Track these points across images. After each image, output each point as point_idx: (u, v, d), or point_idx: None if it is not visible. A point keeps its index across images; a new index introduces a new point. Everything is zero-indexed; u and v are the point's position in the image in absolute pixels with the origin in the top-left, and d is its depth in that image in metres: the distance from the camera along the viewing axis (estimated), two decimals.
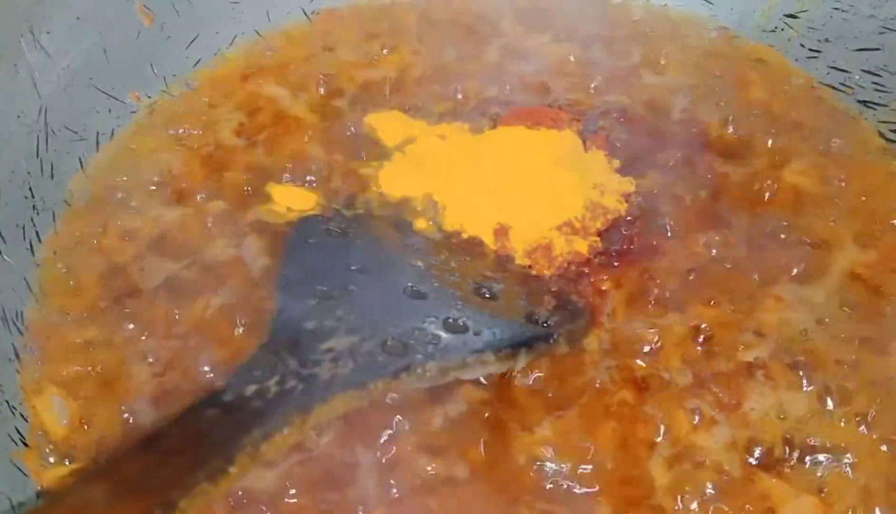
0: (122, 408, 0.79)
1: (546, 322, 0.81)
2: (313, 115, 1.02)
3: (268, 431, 0.68)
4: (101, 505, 0.61)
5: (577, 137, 0.96)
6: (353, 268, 0.83)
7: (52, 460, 0.77)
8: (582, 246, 0.88)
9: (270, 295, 0.84)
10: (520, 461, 0.75)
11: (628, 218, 0.90)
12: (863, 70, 1.00)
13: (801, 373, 0.79)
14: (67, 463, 0.77)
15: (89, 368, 0.82)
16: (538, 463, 0.75)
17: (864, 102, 0.99)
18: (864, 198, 0.92)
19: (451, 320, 0.79)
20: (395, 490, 0.74)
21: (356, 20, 1.12)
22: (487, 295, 0.82)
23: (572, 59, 1.06)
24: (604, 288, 0.86)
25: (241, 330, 0.83)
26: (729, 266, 0.87)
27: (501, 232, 0.88)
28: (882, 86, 0.98)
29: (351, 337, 0.76)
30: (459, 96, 1.02)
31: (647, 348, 0.81)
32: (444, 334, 0.77)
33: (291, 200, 0.93)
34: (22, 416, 0.79)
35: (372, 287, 0.81)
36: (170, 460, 0.65)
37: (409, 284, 0.82)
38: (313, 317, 0.77)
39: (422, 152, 0.96)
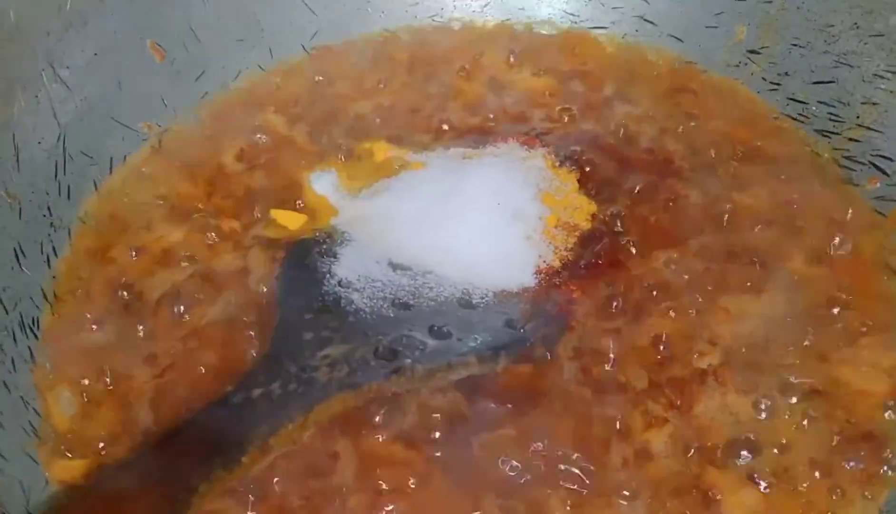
0: (124, 406, 0.87)
1: (523, 328, 0.88)
2: (309, 142, 1.10)
3: (274, 427, 0.77)
4: (130, 492, 0.70)
5: (551, 161, 1.04)
6: (342, 285, 0.91)
7: (60, 452, 0.84)
8: (554, 259, 0.95)
9: (267, 305, 0.92)
10: (483, 456, 0.82)
11: (596, 236, 0.97)
12: (819, 101, 1.06)
13: (748, 378, 0.86)
14: (73, 455, 0.84)
15: (96, 369, 0.89)
16: (501, 459, 0.82)
17: (819, 131, 1.06)
18: (816, 219, 0.98)
19: (435, 328, 0.87)
20: (370, 479, 0.80)
21: (352, 56, 1.20)
22: (468, 305, 0.90)
23: (549, 92, 1.14)
24: (574, 297, 0.93)
25: (240, 335, 0.90)
26: (686, 280, 0.93)
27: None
28: (836, 116, 1.05)
29: (345, 345, 0.84)
30: (445, 126, 1.10)
31: (609, 354, 0.88)
32: (429, 340, 0.86)
33: (286, 220, 1.01)
34: (35, 411, 0.87)
35: (361, 301, 0.89)
36: (189, 452, 0.75)
37: (395, 296, 0.90)
38: (310, 328, 0.86)
39: (405, 181, 1.04)
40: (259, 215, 1.01)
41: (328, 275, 0.92)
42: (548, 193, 0.99)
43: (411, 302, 0.89)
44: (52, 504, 0.78)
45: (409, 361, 0.83)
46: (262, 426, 0.76)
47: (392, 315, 0.88)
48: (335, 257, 0.94)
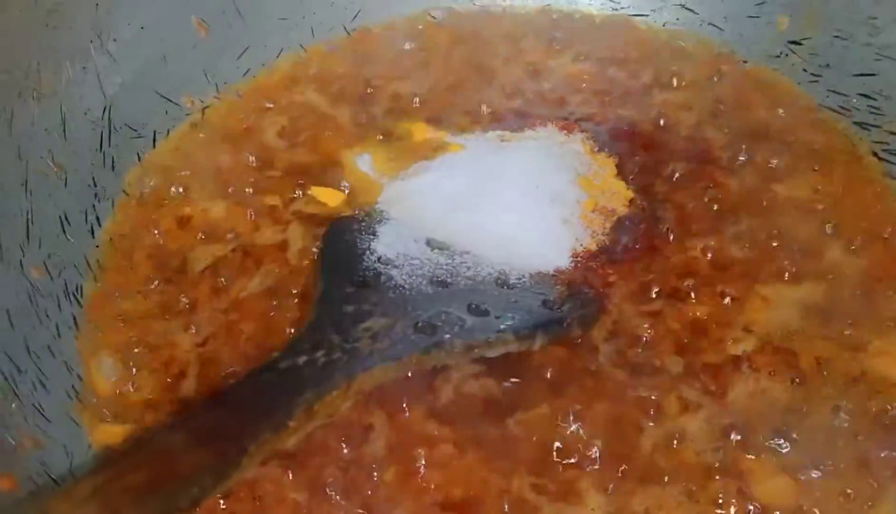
0: (166, 373, 0.88)
1: (560, 308, 0.89)
2: (350, 121, 1.11)
3: (319, 393, 0.78)
4: (181, 449, 0.71)
5: (589, 146, 1.04)
6: (382, 261, 0.92)
7: (102, 416, 0.86)
8: (591, 243, 0.96)
9: (306, 279, 0.94)
10: (518, 433, 0.83)
11: (633, 221, 0.98)
12: (859, 94, 1.06)
13: (783, 366, 0.86)
14: (116, 420, 0.86)
15: (138, 336, 0.91)
16: (535, 437, 0.83)
17: (860, 124, 1.05)
18: (855, 211, 0.98)
19: (473, 306, 0.88)
20: (403, 454, 0.82)
21: (392, 38, 1.21)
22: (505, 285, 0.91)
23: (588, 77, 1.14)
24: (610, 280, 0.93)
25: (279, 308, 0.92)
26: (723, 267, 0.94)
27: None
28: (877, 109, 1.05)
29: (385, 318, 0.85)
30: (484, 109, 1.11)
31: (644, 338, 0.89)
32: (468, 317, 0.86)
33: (326, 197, 1.02)
34: (78, 376, 0.89)
35: (400, 278, 0.90)
36: (239, 413, 0.76)
37: (434, 274, 0.91)
38: (352, 302, 0.87)
39: (443, 162, 1.05)
40: (300, 192, 1.03)
41: (368, 251, 0.93)
42: (585, 178, 1.00)
43: (449, 280, 0.90)
44: (102, 459, 0.80)
45: (447, 336, 0.84)
46: (308, 392, 0.77)
47: (430, 292, 0.89)
48: (374, 234, 0.95)
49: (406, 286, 0.89)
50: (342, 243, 0.94)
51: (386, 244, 0.94)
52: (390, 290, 0.88)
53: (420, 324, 0.85)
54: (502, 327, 0.86)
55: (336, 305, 0.86)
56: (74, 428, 0.85)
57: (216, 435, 0.72)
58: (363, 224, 0.97)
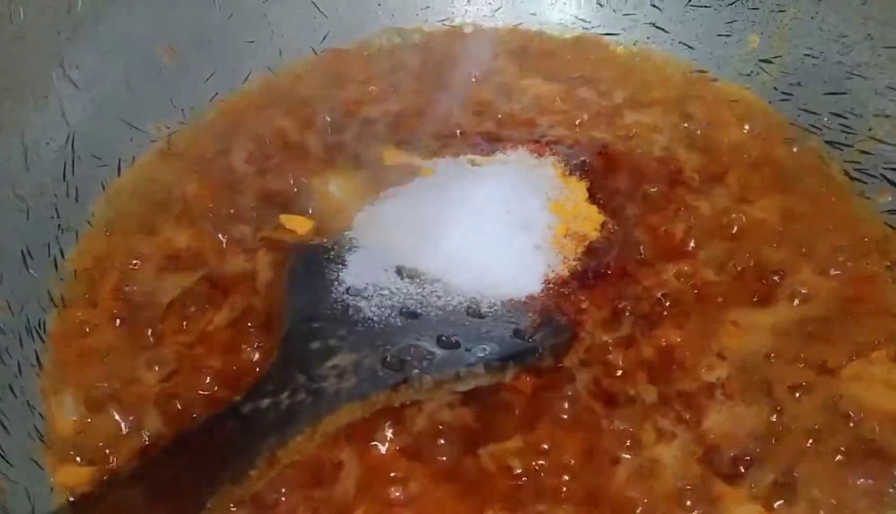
0: (129, 411, 0.86)
1: (531, 338, 0.88)
2: (318, 146, 1.09)
3: (282, 438, 0.77)
4: (137, 507, 0.69)
5: (560, 169, 1.03)
6: (350, 292, 0.90)
7: (66, 458, 0.84)
8: (563, 268, 0.95)
9: (275, 311, 0.92)
10: (490, 467, 0.82)
11: (605, 245, 0.97)
12: (831, 112, 1.06)
13: (757, 393, 0.86)
14: (79, 461, 0.84)
15: (102, 373, 0.89)
16: (508, 470, 0.81)
17: (831, 143, 1.05)
18: (827, 232, 0.98)
19: (443, 338, 0.86)
20: (375, 490, 0.80)
21: (362, 60, 1.20)
22: (476, 314, 0.90)
23: (559, 97, 1.13)
24: (583, 307, 0.92)
25: (247, 342, 0.90)
26: (696, 293, 0.93)
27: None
28: (848, 127, 1.04)
29: (352, 354, 0.84)
30: (455, 133, 1.10)
31: (618, 366, 0.88)
32: (437, 350, 0.85)
33: (295, 224, 1.00)
34: (40, 415, 0.87)
35: (369, 309, 0.89)
36: (197, 464, 0.74)
37: (403, 305, 0.89)
38: (318, 337, 0.85)
39: (414, 187, 1.03)
40: (268, 220, 1.01)
41: (336, 282, 0.91)
42: (557, 202, 0.99)
43: (419, 311, 0.89)
44: None
45: (416, 371, 0.83)
46: (271, 438, 0.76)
47: (400, 324, 0.87)
48: (343, 263, 0.93)
49: (375, 319, 0.87)
50: (308, 274, 0.92)
51: (355, 274, 0.92)
52: (359, 323, 0.87)
53: (389, 359, 0.83)
54: (472, 360, 0.84)
55: (301, 341, 0.85)
56: (37, 471, 0.83)
57: (174, 488, 0.70)
58: (332, 253, 0.95)
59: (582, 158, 1.05)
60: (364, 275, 0.92)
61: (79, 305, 0.95)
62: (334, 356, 0.83)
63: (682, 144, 1.07)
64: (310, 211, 1.02)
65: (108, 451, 0.84)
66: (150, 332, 0.92)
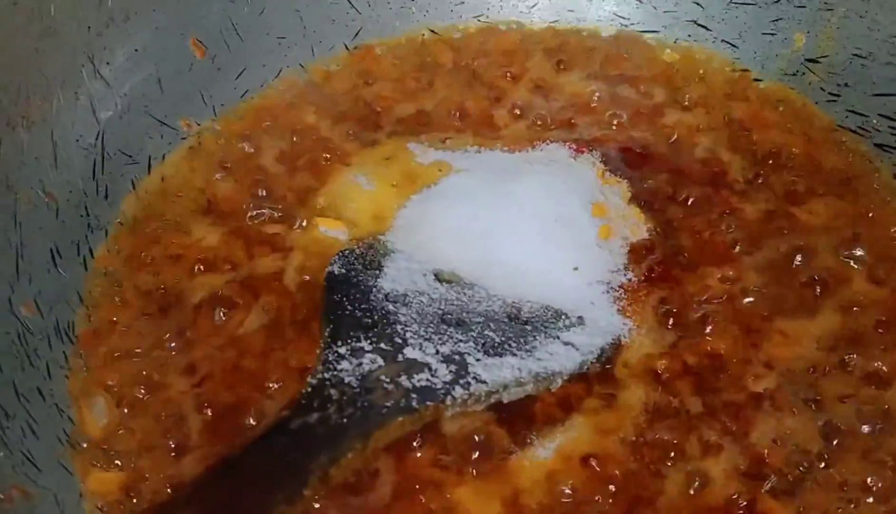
0: (159, 415, 0.85)
1: (577, 347, 0.85)
2: (350, 144, 1.07)
3: (334, 455, 0.74)
4: None
5: (601, 170, 1.00)
6: (390, 299, 0.88)
7: (95, 463, 0.82)
8: (605, 272, 0.92)
9: (308, 314, 0.90)
10: (528, 477, 0.79)
11: (648, 249, 0.94)
12: (880, 114, 1.02)
13: (807, 405, 0.83)
14: (109, 467, 0.82)
15: (132, 376, 0.87)
16: (548, 481, 0.79)
17: (880, 146, 1.02)
18: (877, 237, 0.95)
19: (488, 345, 0.84)
20: (411, 499, 0.78)
21: (395, 57, 1.17)
22: (517, 320, 0.87)
23: (597, 96, 1.10)
24: (627, 313, 0.90)
25: (280, 346, 0.88)
26: (742, 299, 0.90)
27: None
28: None
29: (396, 364, 0.81)
30: (490, 131, 1.07)
31: (662, 375, 0.85)
32: (484, 359, 0.82)
33: (327, 224, 0.98)
34: (70, 418, 0.85)
35: (410, 316, 0.86)
36: (249, 486, 0.71)
37: (444, 311, 0.87)
38: (360, 347, 0.83)
39: (449, 188, 1.00)
40: (300, 221, 0.99)
41: (374, 289, 0.88)
42: (598, 204, 0.96)
43: (461, 317, 0.86)
44: None
45: (464, 381, 0.80)
46: (322, 455, 0.73)
47: (443, 332, 0.85)
48: (379, 268, 0.91)
49: (417, 327, 0.85)
50: (346, 281, 0.89)
51: (392, 279, 0.90)
52: (400, 332, 0.84)
53: (435, 369, 0.81)
54: (520, 368, 0.82)
55: (344, 352, 0.82)
56: (65, 476, 0.81)
57: (224, 513, 0.68)
58: (367, 258, 0.92)
59: (622, 158, 1.02)
60: (402, 280, 0.90)
61: (108, 305, 0.93)
62: (379, 367, 0.80)
63: (726, 145, 1.04)
64: (343, 212, 0.99)
65: (139, 457, 0.82)
66: (178, 335, 0.90)
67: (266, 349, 0.88)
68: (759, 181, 1.01)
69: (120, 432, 0.84)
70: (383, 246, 0.94)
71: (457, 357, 0.82)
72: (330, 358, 0.81)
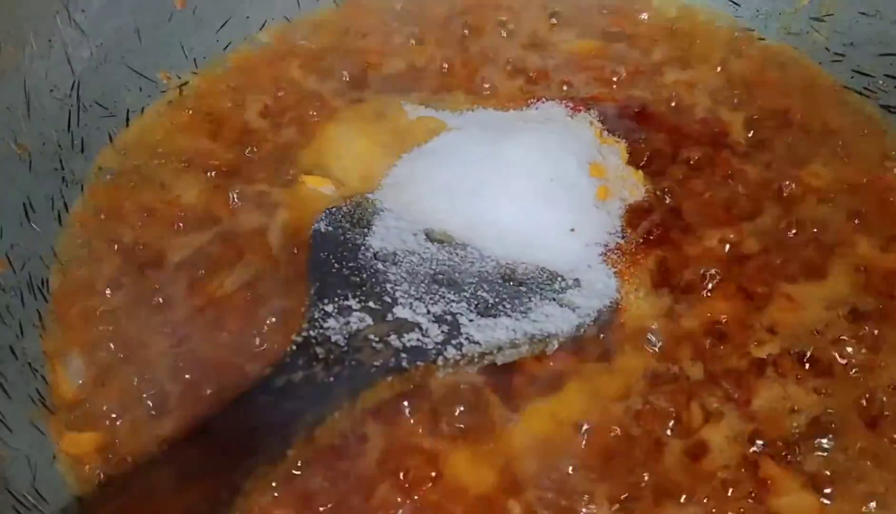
0: (137, 376, 0.81)
1: (574, 308, 0.82)
2: (337, 101, 1.03)
3: (319, 416, 0.71)
4: (167, 489, 0.64)
5: (598, 129, 0.97)
6: (379, 257, 0.84)
7: (70, 423, 0.79)
8: (602, 234, 0.89)
9: (294, 274, 0.86)
10: (522, 444, 0.76)
11: (646, 210, 0.91)
12: (886, 75, 0.99)
13: (811, 372, 0.80)
14: (84, 427, 0.79)
15: (109, 335, 0.83)
16: (542, 447, 0.76)
17: (886, 107, 0.99)
18: (883, 200, 0.92)
19: (481, 306, 0.81)
20: (399, 465, 0.75)
21: (384, 10, 1.12)
22: (512, 281, 0.83)
23: (595, 54, 1.07)
24: (624, 276, 0.86)
25: (263, 306, 0.84)
26: (744, 263, 0.87)
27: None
28: None
29: (386, 324, 0.78)
30: (483, 88, 1.04)
31: (660, 340, 0.82)
32: (477, 319, 0.79)
33: (313, 182, 0.94)
34: (43, 378, 0.81)
35: (399, 275, 0.83)
36: (230, 445, 0.68)
37: (435, 271, 0.83)
38: (348, 305, 0.79)
39: (441, 146, 0.96)
40: (285, 178, 0.95)
41: (362, 247, 0.85)
42: (595, 164, 0.93)
43: (454, 277, 0.82)
44: (84, 503, 0.72)
45: (457, 342, 0.77)
46: (307, 415, 0.70)
47: (434, 291, 0.81)
48: (368, 227, 0.87)
49: (407, 286, 0.81)
50: (333, 239, 0.86)
51: (381, 238, 0.86)
52: (389, 291, 0.81)
53: (426, 328, 0.77)
54: (515, 329, 0.78)
55: (331, 310, 0.78)
56: (38, 437, 0.78)
57: (206, 471, 0.64)
58: (355, 216, 0.89)
59: (620, 117, 0.98)
60: (391, 239, 0.86)
61: (84, 262, 0.89)
62: (367, 325, 0.77)
63: (727, 105, 1.01)
64: (329, 170, 0.95)
65: (115, 417, 0.79)
66: (158, 293, 0.86)
67: (249, 309, 0.85)
68: (761, 143, 0.97)
69: (95, 392, 0.80)
70: (371, 204, 0.90)
71: (449, 317, 0.78)
72: (316, 316, 0.78)
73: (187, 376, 0.80)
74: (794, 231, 0.89)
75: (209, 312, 0.85)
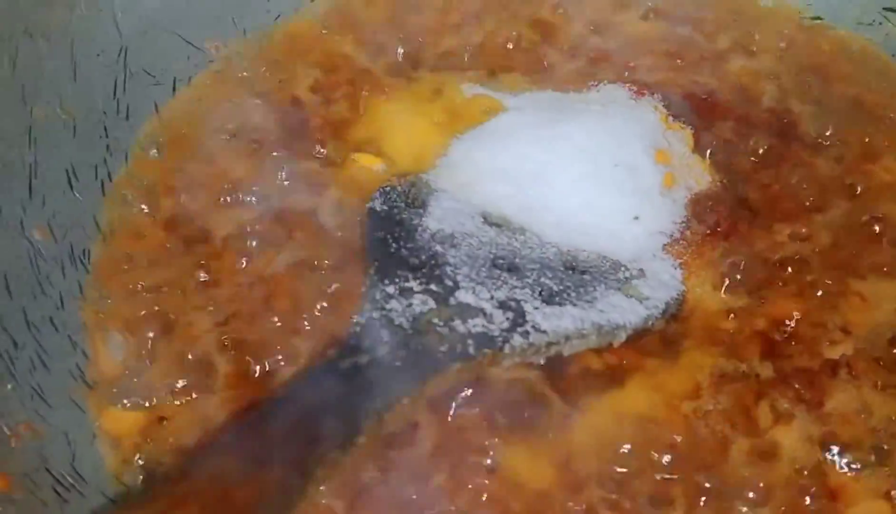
0: (184, 354, 0.78)
1: (642, 300, 0.78)
2: (390, 77, 0.99)
3: (388, 401, 0.68)
4: (234, 475, 0.60)
5: (663, 114, 0.93)
6: (436, 239, 0.81)
7: (111, 400, 0.76)
8: (668, 223, 0.85)
9: (345, 253, 0.83)
10: (582, 440, 0.73)
11: (714, 200, 0.87)
12: None
13: (886, 374, 0.76)
14: (125, 405, 0.76)
15: (152, 310, 0.80)
16: (602, 444, 0.73)
17: None
18: None
19: (547, 294, 0.77)
20: (453, 455, 0.72)
21: None
22: (575, 269, 0.80)
23: (658, 38, 1.02)
24: (690, 268, 0.83)
25: (315, 286, 0.81)
26: (815, 259, 0.83)
27: None
28: None
29: (447, 308, 0.75)
30: (543, 67, 1.00)
31: (728, 337, 0.78)
32: (543, 307, 0.76)
33: (365, 160, 0.91)
34: (83, 353, 0.79)
35: (459, 258, 0.79)
36: (297, 430, 0.65)
37: (496, 255, 0.80)
38: (409, 287, 0.76)
39: (498, 126, 0.93)
40: (335, 155, 0.91)
41: (419, 228, 0.81)
42: (661, 150, 0.89)
43: (514, 262, 0.79)
44: (144, 490, 0.70)
45: (523, 330, 0.73)
46: (377, 399, 0.67)
47: (496, 276, 0.78)
48: (424, 207, 0.84)
49: (468, 269, 0.78)
50: (389, 218, 0.82)
51: (438, 219, 0.83)
52: (450, 274, 0.77)
53: (490, 314, 0.74)
54: (582, 321, 0.75)
55: (392, 292, 0.75)
56: (77, 414, 0.75)
57: (271, 458, 0.61)
58: (410, 195, 0.85)
59: (686, 105, 0.94)
60: (448, 221, 0.83)
61: (127, 234, 0.86)
62: (430, 310, 0.74)
63: (795, 95, 0.97)
64: (381, 149, 0.92)
65: (157, 396, 0.75)
66: (203, 270, 0.83)
67: (299, 289, 0.81)
68: (833, 135, 0.93)
69: (137, 369, 0.77)
70: (426, 184, 0.87)
71: (513, 304, 0.75)
72: (377, 297, 0.75)
73: (233, 355, 0.77)
74: (867, 226, 0.85)
75: (257, 290, 0.81)
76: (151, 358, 0.78)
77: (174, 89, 0.97)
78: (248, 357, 0.77)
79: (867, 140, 0.93)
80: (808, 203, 0.87)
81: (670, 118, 0.93)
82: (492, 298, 0.75)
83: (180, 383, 0.76)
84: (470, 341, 0.72)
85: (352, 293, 0.79)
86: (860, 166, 0.90)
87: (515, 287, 0.77)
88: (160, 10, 0.96)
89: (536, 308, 0.75)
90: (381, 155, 0.91)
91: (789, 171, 0.90)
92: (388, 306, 0.74)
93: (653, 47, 1.02)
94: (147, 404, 0.75)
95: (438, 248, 0.79)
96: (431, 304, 0.74)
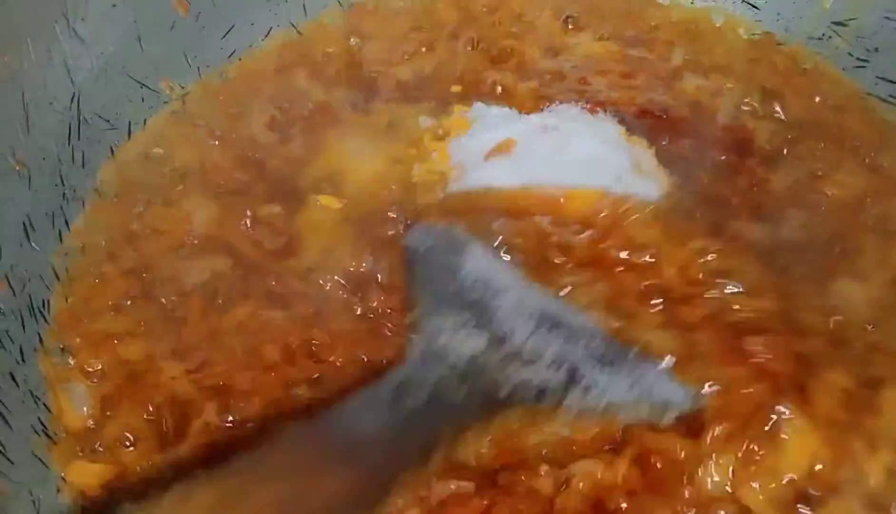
0: (148, 402, 0.77)
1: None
2: (347, 111, 0.99)
3: (455, 433, 0.70)
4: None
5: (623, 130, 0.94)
6: (481, 284, 0.80)
7: (76, 454, 0.75)
8: None
9: (315, 298, 0.83)
10: None
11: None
12: None
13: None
14: (91, 457, 0.75)
15: (116, 359, 0.80)
16: None
17: None
18: None
19: (600, 356, 0.76)
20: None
21: (393, 14, 1.09)
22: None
23: (613, 58, 1.03)
24: None
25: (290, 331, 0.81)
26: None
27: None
28: None
29: (507, 355, 0.75)
30: (499, 90, 1.00)
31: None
32: (599, 369, 0.75)
33: (326, 202, 0.90)
34: (46, 406, 0.78)
35: (510, 309, 0.78)
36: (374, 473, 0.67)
37: (544, 311, 0.78)
38: (461, 328, 0.77)
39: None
40: (297, 195, 0.90)
41: (461, 270, 0.81)
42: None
43: (561, 321, 0.78)
44: None
45: (580, 387, 0.73)
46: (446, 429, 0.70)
47: (546, 330, 0.77)
48: (461, 253, 0.83)
49: (517, 319, 0.77)
50: (429, 258, 0.83)
51: (477, 265, 0.82)
52: (500, 320, 0.77)
53: (546, 367, 0.74)
54: (639, 390, 0.74)
55: (444, 325, 0.76)
56: (41, 470, 0.75)
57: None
58: (446, 239, 0.84)
59: (640, 121, 0.95)
60: (487, 268, 0.82)
61: (87, 283, 0.86)
62: (483, 353, 0.75)
63: (749, 112, 0.98)
64: (342, 187, 0.91)
65: (124, 446, 0.75)
66: (169, 316, 0.82)
67: (266, 335, 0.81)
68: (784, 150, 0.94)
69: (103, 421, 0.77)
70: (461, 229, 0.85)
71: (567, 362, 0.75)
72: (429, 330, 0.76)
73: (203, 403, 0.76)
74: (813, 239, 0.86)
75: (225, 337, 0.81)
76: (116, 408, 0.77)
77: (129, 133, 0.96)
78: (216, 404, 0.76)
79: (819, 154, 0.94)
80: (760, 215, 0.88)
81: (628, 134, 0.93)
82: (546, 350, 0.75)
83: (146, 433, 0.75)
84: (529, 390, 0.72)
85: (323, 340, 0.79)
86: (811, 181, 0.91)
87: (567, 344, 0.76)
88: (113, 54, 0.96)
89: (593, 368, 0.74)
90: (340, 195, 0.91)
91: (743, 186, 0.90)
92: (439, 341, 0.75)
93: (607, 67, 1.03)
94: (112, 456, 0.75)
95: (483, 293, 0.79)
96: (484, 345, 0.75)
